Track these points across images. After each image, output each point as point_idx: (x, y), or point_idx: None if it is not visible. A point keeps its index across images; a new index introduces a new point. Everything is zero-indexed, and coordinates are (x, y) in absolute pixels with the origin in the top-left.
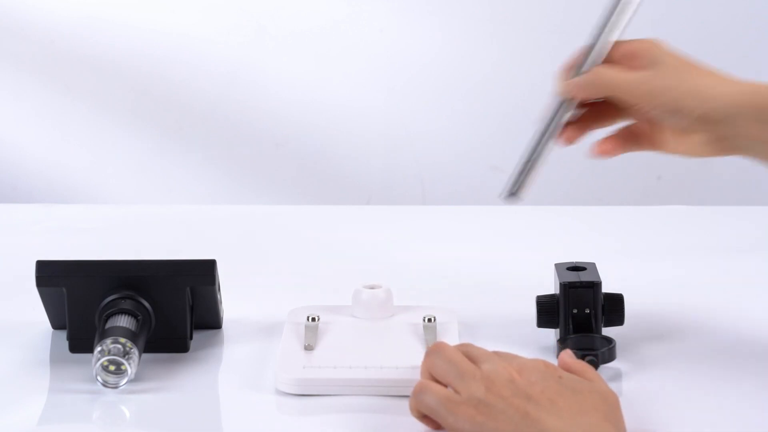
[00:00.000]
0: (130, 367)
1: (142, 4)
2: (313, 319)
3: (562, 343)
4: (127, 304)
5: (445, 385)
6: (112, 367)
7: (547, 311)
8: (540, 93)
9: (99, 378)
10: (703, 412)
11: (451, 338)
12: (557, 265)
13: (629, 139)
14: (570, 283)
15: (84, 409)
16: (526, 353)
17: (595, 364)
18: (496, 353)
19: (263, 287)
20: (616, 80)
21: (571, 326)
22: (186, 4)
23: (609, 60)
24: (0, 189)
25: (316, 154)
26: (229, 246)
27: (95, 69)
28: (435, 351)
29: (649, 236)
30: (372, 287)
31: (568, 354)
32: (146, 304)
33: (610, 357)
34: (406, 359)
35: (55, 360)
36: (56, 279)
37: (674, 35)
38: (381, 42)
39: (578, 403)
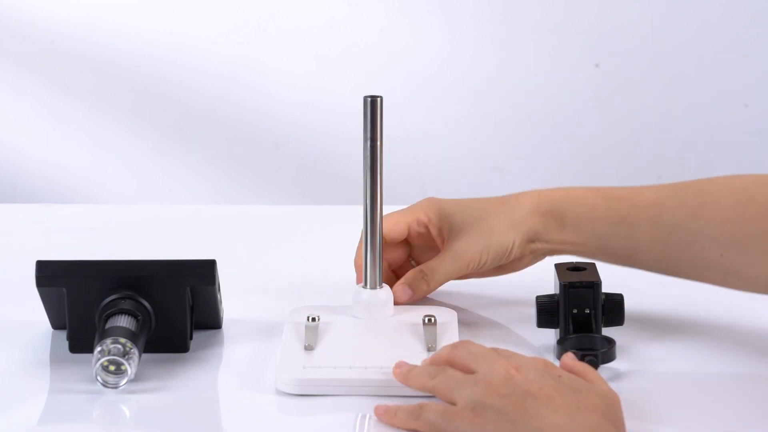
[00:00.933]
0: (130, 367)
1: (142, 4)
2: (313, 319)
3: (562, 343)
4: (127, 304)
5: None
6: (112, 367)
7: (547, 311)
8: (540, 93)
9: (99, 378)
10: (702, 412)
11: (451, 338)
12: (557, 266)
13: None
14: (570, 283)
15: (84, 409)
16: (525, 354)
17: (595, 365)
18: (495, 350)
19: (263, 287)
20: (445, 272)
21: (571, 326)
22: (186, 4)
23: (399, 233)
24: (0, 189)
25: (316, 154)
26: (229, 246)
27: (95, 69)
28: (432, 373)
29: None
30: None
31: (570, 357)
32: (146, 304)
33: (610, 357)
34: (407, 359)
35: (55, 360)
36: (56, 279)
37: (674, 35)
38: (381, 42)
39: (577, 401)
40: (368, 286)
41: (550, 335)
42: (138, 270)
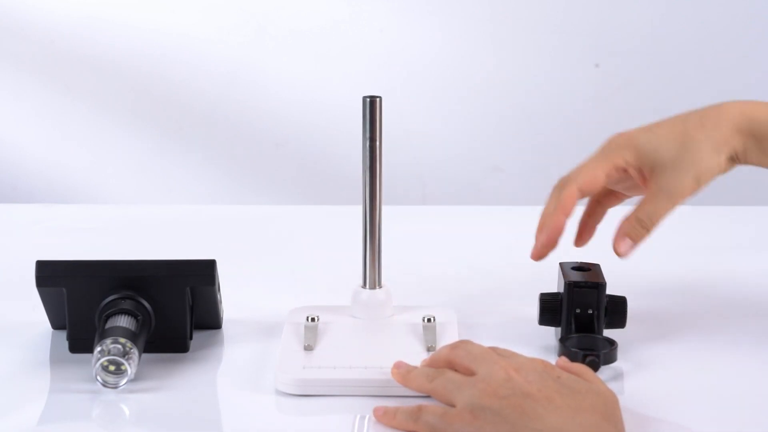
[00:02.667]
0: (130, 367)
1: (142, 4)
2: (313, 320)
3: (564, 342)
4: (127, 304)
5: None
6: (112, 367)
7: (550, 309)
8: (540, 93)
9: (99, 378)
10: (703, 413)
11: (450, 338)
12: (562, 264)
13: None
14: (575, 282)
15: (84, 409)
16: (525, 353)
17: (596, 365)
18: (494, 350)
19: (263, 287)
20: (664, 212)
21: (573, 326)
22: (186, 4)
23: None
24: (0, 189)
25: (316, 154)
26: (229, 246)
27: (95, 69)
28: (431, 375)
29: (650, 236)
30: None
31: (564, 360)
32: (146, 304)
33: (611, 359)
34: (406, 359)
35: (55, 360)
36: (56, 279)
37: (674, 35)
38: (381, 42)
39: (576, 401)
40: (367, 287)
41: (550, 337)
42: (138, 270)
